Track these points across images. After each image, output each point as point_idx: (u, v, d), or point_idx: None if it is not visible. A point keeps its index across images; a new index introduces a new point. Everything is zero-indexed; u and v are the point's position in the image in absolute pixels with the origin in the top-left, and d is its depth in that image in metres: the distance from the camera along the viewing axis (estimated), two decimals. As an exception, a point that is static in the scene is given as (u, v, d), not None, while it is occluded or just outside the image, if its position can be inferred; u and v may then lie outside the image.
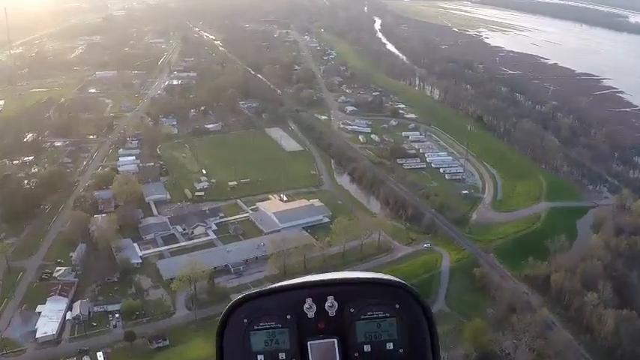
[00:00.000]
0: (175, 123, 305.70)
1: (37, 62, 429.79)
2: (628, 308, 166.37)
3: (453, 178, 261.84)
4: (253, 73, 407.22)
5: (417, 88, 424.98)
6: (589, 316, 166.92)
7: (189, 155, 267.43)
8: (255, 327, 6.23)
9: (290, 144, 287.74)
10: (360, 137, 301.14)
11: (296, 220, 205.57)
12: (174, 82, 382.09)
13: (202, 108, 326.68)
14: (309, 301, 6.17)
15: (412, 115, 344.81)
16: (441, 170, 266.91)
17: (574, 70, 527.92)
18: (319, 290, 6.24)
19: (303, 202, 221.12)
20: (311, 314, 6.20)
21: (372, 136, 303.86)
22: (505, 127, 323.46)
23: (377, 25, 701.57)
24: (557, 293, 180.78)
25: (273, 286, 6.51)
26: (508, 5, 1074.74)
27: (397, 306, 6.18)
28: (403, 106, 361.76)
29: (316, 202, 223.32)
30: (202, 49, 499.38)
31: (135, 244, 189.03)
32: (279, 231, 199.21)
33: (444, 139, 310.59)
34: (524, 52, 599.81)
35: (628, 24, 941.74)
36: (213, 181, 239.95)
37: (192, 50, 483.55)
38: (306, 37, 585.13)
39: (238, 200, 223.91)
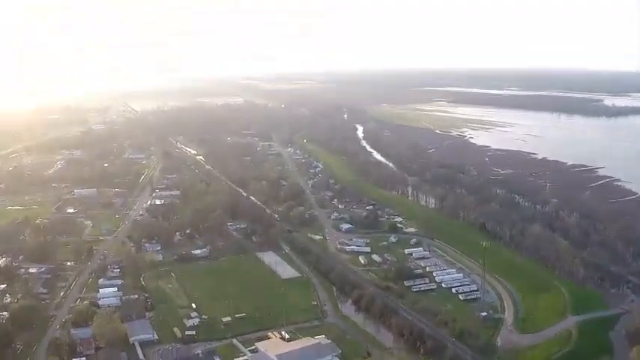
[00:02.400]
0: (159, 248, 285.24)
1: (14, 177, 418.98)
2: None
3: (468, 298, 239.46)
4: (239, 190, 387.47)
5: (410, 197, 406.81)
6: None
7: (177, 286, 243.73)
8: None
9: (286, 270, 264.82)
10: (360, 258, 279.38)
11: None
12: (157, 201, 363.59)
13: (188, 231, 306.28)
14: None
15: (412, 229, 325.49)
16: (454, 290, 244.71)
17: (565, 163, 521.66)
18: None
19: (309, 341, 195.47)
20: None
21: (373, 256, 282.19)
22: (511, 233, 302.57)
23: (359, 133, 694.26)
24: None
25: None
26: (483, 102, 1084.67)
27: None
28: (400, 219, 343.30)
29: (322, 339, 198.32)
30: (184, 164, 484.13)
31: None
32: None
33: (449, 254, 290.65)
34: (510, 148, 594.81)
35: (604, 108, 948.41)
36: (205, 317, 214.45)
37: (173, 166, 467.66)
38: (289, 149, 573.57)
39: (234, 340, 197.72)
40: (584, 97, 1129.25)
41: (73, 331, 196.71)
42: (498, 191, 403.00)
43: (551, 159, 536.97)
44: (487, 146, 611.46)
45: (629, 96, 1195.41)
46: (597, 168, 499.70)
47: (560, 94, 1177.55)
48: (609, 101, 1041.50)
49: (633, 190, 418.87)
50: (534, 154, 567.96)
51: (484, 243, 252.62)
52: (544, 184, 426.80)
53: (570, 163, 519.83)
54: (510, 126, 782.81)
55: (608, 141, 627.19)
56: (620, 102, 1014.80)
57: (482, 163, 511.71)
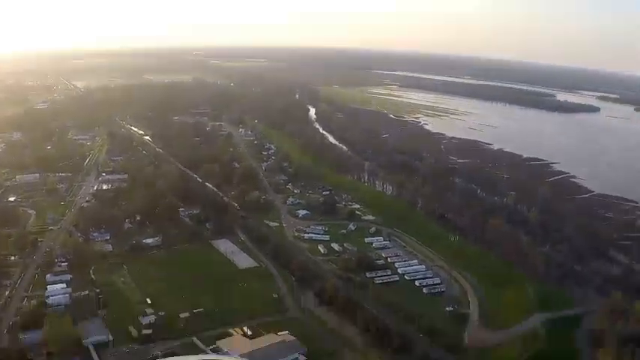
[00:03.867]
0: (109, 238, 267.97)
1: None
2: None
3: (432, 292, 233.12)
4: (190, 173, 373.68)
5: (366, 183, 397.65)
6: None
7: (129, 279, 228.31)
8: None
9: (242, 259, 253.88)
10: (319, 247, 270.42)
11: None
12: (104, 186, 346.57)
13: (138, 218, 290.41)
14: None
15: (370, 217, 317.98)
16: (417, 283, 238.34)
17: (521, 156, 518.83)
18: None
19: (273, 338, 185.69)
20: None
21: (333, 244, 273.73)
22: (472, 225, 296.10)
23: (312, 114, 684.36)
24: None
25: None
26: (435, 89, 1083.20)
27: None
28: (358, 206, 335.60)
29: (286, 335, 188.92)
30: (131, 145, 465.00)
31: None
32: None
33: (409, 244, 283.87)
34: (466, 137, 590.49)
35: (557, 103, 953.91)
36: (162, 313, 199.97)
37: (120, 147, 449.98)
38: (240, 129, 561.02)
39: (194, 338, 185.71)
40: (537, 91, 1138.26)
41: (22, 335, 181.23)
42: (456, 180, 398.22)
43: (507, 150, 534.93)
44: (442, 134, 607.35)
45: (580, 93, 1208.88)
46: (553, 163, 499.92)
47: (514, 86, 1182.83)
48: (562, 97, 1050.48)
49: (589, 187, 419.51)
50: (490, 144, 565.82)
51: (452, 238, 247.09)
52: (502, 176, 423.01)
53: (526, 156, 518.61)
54: (465, 114, 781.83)
55: (562, 137, 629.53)
56: (573, 98, 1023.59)
57: (438, 151, 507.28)
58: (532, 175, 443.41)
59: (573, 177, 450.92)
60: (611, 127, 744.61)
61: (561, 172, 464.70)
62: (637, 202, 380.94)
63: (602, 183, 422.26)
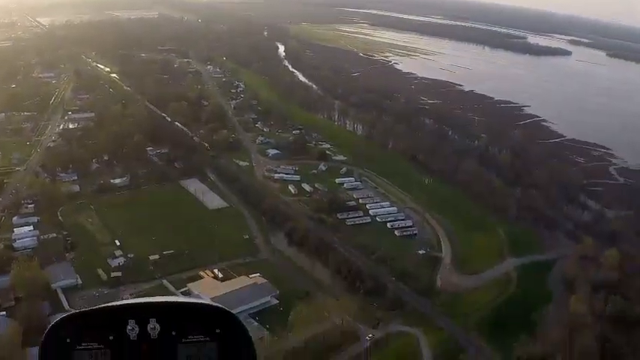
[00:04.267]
0: (76, 178, 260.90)
1: None
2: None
3: (404, 234, 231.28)
4: (158, 111, 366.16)
5: (337, 123, 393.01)
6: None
7: (97, 220, 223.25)
8: (78, 347, 6.04)
9: (213, 200, 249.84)
10: (290, 187, 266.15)
11: (240, 306, 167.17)
12: (70, 125, 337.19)
13: (105, 157, 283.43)
14: (131, 322, 6.07)
15: (341, 157, 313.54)
16: (389, 225, 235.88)
17: (492, 98, 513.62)
18: (142, 312, 6.14)
19: (244, 281, 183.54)
20: (133, 336, 6.09)
21: (303, 185, 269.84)
22: (443, 167, 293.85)
23: (281, 52, 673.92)
24: None
25: (96, 307, 6.32)
26: (406, 27, 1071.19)
27: (218, 331, 6.40)
28: (328, 146, 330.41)
29: (258, 277, 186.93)
30: (98, 83, 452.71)
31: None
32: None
33: (381, 185, 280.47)
34: (437, 78, 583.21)
35: (528, 45, 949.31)
36: (131, 255, 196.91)
37: (86, 85, 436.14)
38: (209, 67, 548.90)
39: (164, 280, 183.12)
40: (508, 33, 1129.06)
41: None
42: (427, 121, 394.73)
43: (478, 92, 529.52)
44: (413, 74, 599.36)
45: (552, 37, 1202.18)
46: (524, 106, 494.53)
47: (485, 27, 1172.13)
48: (533, 39, 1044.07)
49: (559, 132, 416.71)
50: (461, 85, 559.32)
51: (426, 180, 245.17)
52: (472, 118, 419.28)
53: (497, 98, 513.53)
54: (435, 55, 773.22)
55: (533, 79, 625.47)
56: (544, 42, 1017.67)
57: (408, 91, 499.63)
58: (503, 117, 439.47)
59: (544, 121, 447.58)
60: (583, 71, 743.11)
61: (532, 116, 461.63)
62: (607, 148, 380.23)
63: (573, 127, 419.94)
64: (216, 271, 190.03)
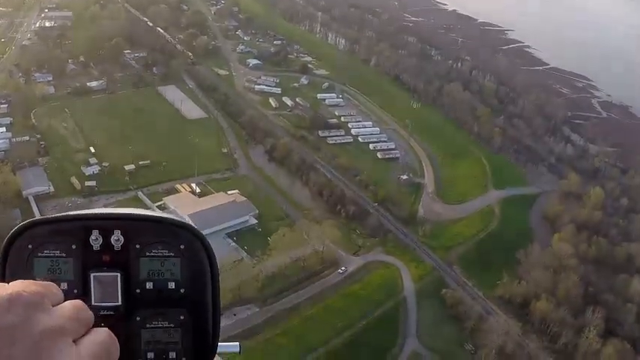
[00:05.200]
0: (51, 79, 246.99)
1: None
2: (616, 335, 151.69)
3: (386, 157, 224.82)
4: (137, 14, 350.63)
5: (319, 35, 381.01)
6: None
7: (72, 125, 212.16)
8: (39, 254, 5.57)
9: (190, 109, 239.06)
10: (270, 100, 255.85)
11: (218, 224, 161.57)
12: (47, 23, 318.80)
13: (82, 59, 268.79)
14: (95, 232, 5.59)
15: (323, 72, 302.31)
16: (371, 147, 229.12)
17: (476, 20, 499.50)
18: (107, 223, 5.67)
19: (223, 197, 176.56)
20: (96, 246, 5.62)
21: (284, 98, 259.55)
22: (427, 89, 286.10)
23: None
24: (540, 322, 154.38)
25: (61, 214, 5.76)
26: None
27: (182, 247, 5.74)
28: (310, 59, 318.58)
29: (237, 195, 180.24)
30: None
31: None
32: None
33: (363, 104, 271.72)
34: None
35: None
36: (106, 164, 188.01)
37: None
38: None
39: (140, 193, 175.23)
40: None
41: None
42: (410, 39, 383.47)
43: (461, 12, 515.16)
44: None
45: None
46: (507, 30, 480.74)
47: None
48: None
49: (543, 60, 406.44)
50: (444, 4, 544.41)
51: (414, 103, 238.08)
52: (456, 39, 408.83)
53: (481, 20, 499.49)
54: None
55: (517, 2, 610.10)
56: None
57: (392, 7, 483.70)
58: (486, 40, 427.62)
59: (528, 47, 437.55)
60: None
61: (516, 41, 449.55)
62: (590, 80, 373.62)
63: (556, 56, 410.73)
64: (193, 185, 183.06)
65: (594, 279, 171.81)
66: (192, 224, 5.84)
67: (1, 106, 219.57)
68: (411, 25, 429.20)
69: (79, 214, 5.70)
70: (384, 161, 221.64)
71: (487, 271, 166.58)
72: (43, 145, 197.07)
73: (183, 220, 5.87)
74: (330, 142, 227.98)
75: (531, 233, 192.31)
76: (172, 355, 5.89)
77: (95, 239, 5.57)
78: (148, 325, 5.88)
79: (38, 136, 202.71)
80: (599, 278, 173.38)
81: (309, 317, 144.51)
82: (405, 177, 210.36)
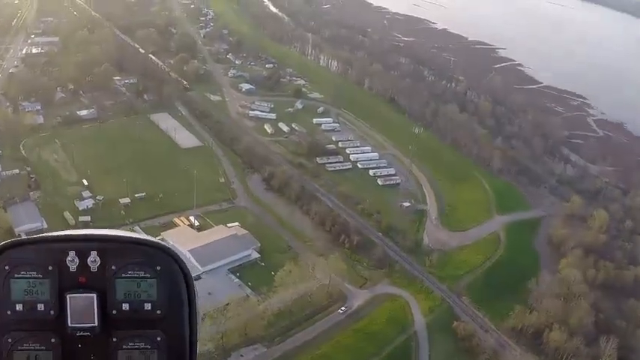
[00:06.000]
0: (40, 108, 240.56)
1: None
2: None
3: (387, 183, 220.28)
4: (126, 38, 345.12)
5: (310, 57, 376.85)
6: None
7: (63, 156, 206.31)
8: (16, 275, 6.02)
9: (184, 137, 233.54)
10: (266, 127, 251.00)
11: (220, 260, 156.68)
12: (34, 49, 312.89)
13: (71, 87, 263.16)
14: (72, 254, 6.02)
15: (317, 95, 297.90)
16: (371, 173, 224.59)
17: (466, 38, 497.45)
18: (83, 244, 6.10)
19: (223, 231, 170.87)
20: (73, 267, 6.06)
21: (280, 124, 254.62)
22: (423, 111, 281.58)
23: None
24: (554, 353, 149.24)
25: (37, 236, 6.27)
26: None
27: (158, 268, 6.15)
28: (303, 82, 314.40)
29: (237, 227, 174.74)
30: (62, 6, 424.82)
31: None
32: (199, 278, 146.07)
33: (360, 127, 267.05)
34: (409, 14, 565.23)
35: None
36: (100, 198, 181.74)
37: (50, 8, 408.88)
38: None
39: (137, 227, 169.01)
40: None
41: None
42: (402, 60, 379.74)
43: (452, 32, 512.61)
44: (384, 8, 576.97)
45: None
46: (499, 48, 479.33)
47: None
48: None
49: (536, 78, 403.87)
50: (434, 23, 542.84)
51: (412, 127, 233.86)
52: (448, 58, 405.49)
53: (472, 39, 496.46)
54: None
55: (503, 20, 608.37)
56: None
57: (381, 27, 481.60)
58: (478, 59, 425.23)
59: (520, 65, 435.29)
60: (554, 14, 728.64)
61: (508, 59, 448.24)
62: (585, 98, 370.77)
63: (550, 74, 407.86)
64: (192, 218, 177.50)
65: (604, 305, 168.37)
66: (169, 245, 6.23)
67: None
68: (401, 45, 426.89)
69: (55, 236, 6.18)
70: (385, 188, 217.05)
71: (496, 300, 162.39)
72: (33, 179, 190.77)
73: (159, 242, 6.25)
74: (330, 168, 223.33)
75: (538, 259, 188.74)
76: None
77: (72, 260, 5.92)
78: (124, 347, 6.04)
79: (28, 168, 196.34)
80: (609, 304, 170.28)
81: (318, 357, 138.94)
82: (407, 204, 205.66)
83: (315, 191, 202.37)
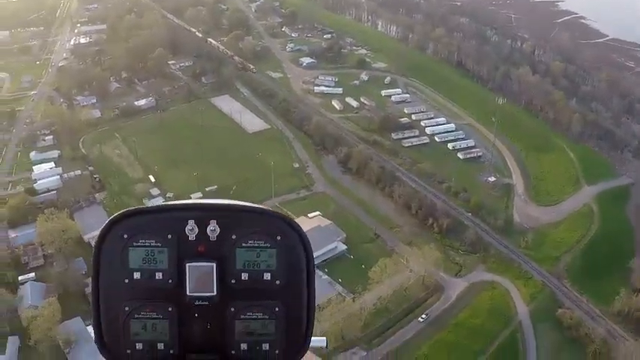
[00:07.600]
0: (95, 101, 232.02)
1: None
2: None
3: (468, 156, 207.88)
4: (175, 19, 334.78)
5: (367, 24, 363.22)
6: None
7: (125, 151, 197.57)
8: (135, 243, 6.11)
9: (251, 121, 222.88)
10: (334, 103, 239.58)
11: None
12: (82, 39, 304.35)
13: (125, 75, 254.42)
14: (191, 222, 6.08)
15: (381, 64, 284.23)
16: (450, 146, 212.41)
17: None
18: (203, 213, 6.16)
19: (305, 222, 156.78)
20: (192, 236, 6.11)
21: (348, 99, 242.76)
22: (494, 75, 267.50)
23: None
24: None
25: (156, 205, 6.37)
26: None
27: (279, 238, 6.19)
28: (365, 51, 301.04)
29: (319, 217, 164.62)
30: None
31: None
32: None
33: (430, 97, 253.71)
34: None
35: None
36: (170, 194, 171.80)
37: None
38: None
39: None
40: None
41: (11, 233, 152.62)
42: (463, 20, 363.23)
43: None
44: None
45: None
46: (558, 1, 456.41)
47: None
48: None
49: (601, 31, 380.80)
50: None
51: (497, 99, 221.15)
52: (509, 16, 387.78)
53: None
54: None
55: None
56: None
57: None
58: (539, 14, 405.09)
59: (582, 18, 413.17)
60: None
61: (569, 12, 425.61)
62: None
63: (614, 26, 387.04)
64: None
65: None
66: (289, 215, 6.30)
67: (46, 137, 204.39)
68: (459, 4, 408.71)
69: (175, 204, 6.22)
70: (467, 162, 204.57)
71: (599, 282, 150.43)
72: (97, 179, 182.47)
73: (279, 212, 6.29)
74: (406, 144, 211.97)
75: (635, 233, 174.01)
76: (265, 346, 6.12)
77: (191, 229, 5.98)
78: (242, 316, 6.12)
79: (91, 168, 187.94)
80: None
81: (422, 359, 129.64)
82: (492, 179, 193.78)
83: (396, 171, 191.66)
